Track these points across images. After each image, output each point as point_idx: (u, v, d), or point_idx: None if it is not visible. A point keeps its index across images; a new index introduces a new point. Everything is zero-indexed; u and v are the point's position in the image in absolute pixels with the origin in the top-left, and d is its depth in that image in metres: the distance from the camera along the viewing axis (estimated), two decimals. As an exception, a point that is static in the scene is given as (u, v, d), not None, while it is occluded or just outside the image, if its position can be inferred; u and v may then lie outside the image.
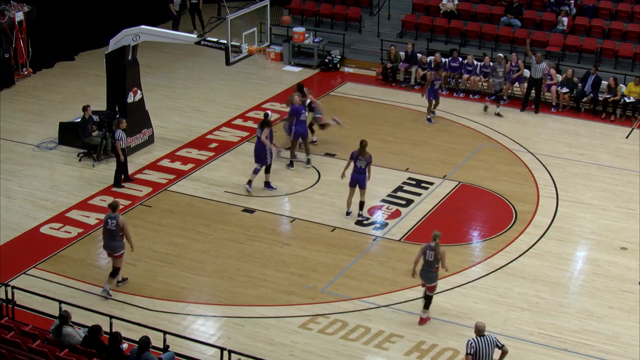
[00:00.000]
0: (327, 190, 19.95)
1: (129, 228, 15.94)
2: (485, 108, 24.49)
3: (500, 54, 24.94)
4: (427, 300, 15.33)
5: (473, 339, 12.91)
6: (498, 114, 24.20)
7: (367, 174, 18.34)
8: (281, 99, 24.65)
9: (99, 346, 12.93)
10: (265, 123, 19.55)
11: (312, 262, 17.29)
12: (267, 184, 19.94)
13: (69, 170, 21.00)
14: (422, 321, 15.40)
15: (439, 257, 14.95)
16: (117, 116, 21.50)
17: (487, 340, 12.87)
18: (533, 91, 24.41)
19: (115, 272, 16.10)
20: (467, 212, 19.31)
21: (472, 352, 12.82)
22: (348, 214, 18.80)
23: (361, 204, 18.67)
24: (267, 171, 19.85)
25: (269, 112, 20.48)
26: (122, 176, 20.14)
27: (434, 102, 23.68)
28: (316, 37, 28.52)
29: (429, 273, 15.06)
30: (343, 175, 18.65)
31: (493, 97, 24.51)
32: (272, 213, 19.11)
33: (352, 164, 18.39)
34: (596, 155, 22.06)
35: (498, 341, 12.91)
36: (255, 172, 19.72)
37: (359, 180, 18.33)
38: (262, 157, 19.55)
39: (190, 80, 27.02)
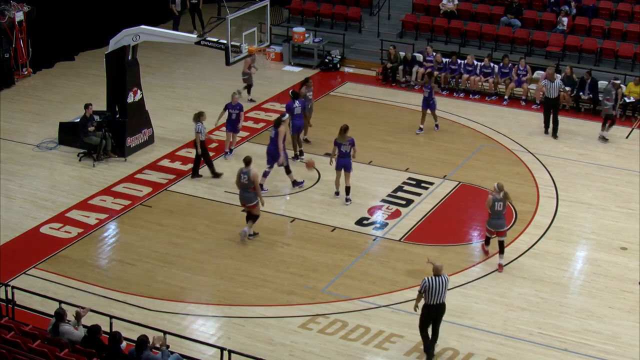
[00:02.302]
0: (327, 190, 19.94)
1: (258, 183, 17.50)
2: (603, 138, 22.66)
3: (617, 81, 22.89)
4: (501, 245, 16.85)
5: (428, 278, 13.84)
6: (603, 138, 22.64)
7: (352, 155, 18.97)
8: (281, 99, 24.65)
9: (99, 346, 12.93)
10: (279, 123, 19.62)
11: (312, 262, 17.29)
12: (295, 182, 20.08)
13: (69, 170, 21.00)
14: (500, 267, 16.83)
15: (508, 203, 16.83)
16: (120, 116, 21.53)
17: (442, 280, 13.88)
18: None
19: (255, 218, 17.74)
20: (467, 212, 19.30)
21: (423, 290, 13.89)
22: (337, 193, 19.47)
23: (347, 189, 19.27)
24: (288, 172, 19.95)
25: (286, 113, 20.66)
26: (197, 169, 20.53)
27: (428, 111, 22.69)
28: (316, 37, 28.51)
29: (499, 221, 16.75)
30: (331, 162, 19.20)
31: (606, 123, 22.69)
32: (272, 213, 19.09)
33: (337, 150, 19.00)
34: (596, 155, 22.04)
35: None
36: (265, 174, 19.68)
37: (344, 164, 19.08)
38: (275, 158, 19.59)
39: (190, 80, 27.00)
